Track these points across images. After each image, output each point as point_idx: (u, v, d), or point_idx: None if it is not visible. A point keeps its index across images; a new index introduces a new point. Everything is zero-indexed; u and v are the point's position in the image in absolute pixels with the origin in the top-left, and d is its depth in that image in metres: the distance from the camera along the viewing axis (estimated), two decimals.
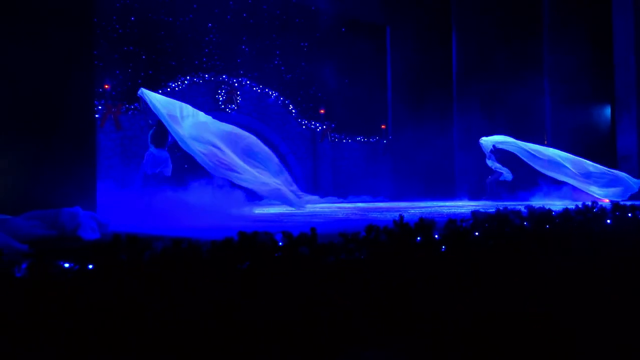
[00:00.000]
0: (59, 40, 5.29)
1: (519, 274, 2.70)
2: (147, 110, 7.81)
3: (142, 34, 12.55)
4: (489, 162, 13.02)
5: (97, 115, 10.75)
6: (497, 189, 13.35)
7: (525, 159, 12.26)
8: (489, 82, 15.56)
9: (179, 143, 7.37)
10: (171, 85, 12.63)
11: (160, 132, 7.92)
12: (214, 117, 13.39)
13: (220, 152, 7.30)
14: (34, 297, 1.81)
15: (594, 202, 5.22)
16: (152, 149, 8.06)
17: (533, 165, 12.26)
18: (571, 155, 12.03)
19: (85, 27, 5.69)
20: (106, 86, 11.42)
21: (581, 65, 14.55)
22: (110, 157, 11.20)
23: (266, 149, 8.25)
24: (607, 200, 10.90)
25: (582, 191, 11.82)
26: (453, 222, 3.47)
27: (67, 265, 2.09)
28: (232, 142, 7.76)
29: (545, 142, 15.30)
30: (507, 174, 12.97)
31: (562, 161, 11.79)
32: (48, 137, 5.24)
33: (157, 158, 7.98)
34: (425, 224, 3.12)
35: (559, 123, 15.66)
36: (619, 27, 14.52)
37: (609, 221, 4.49)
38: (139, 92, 7.69)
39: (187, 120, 7.49)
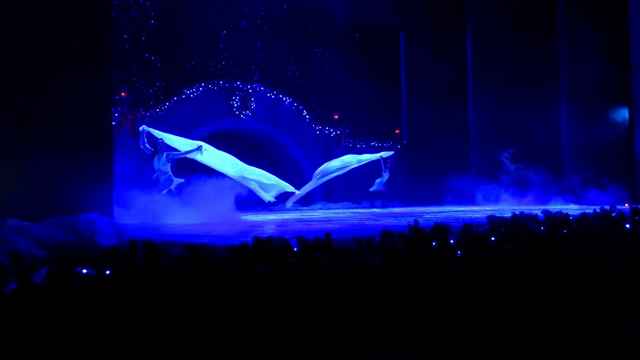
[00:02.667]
0: (76, 48, 5.37)
1: (537, 279, 2.67)
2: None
3: (158, 42, 12.69)
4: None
5: (113, 123, 10.86)
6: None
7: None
8: (505, 87, 15.49)
9: None
10: (186, 92, 12.74)
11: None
12: (229, 123, 13.59)
13: None
14: (52, 302, 1.83)
15: (612, 206, 5.15)
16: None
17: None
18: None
19: (102, 35, 5.77)
20: (123, 94, 11.55)
21: (598, 68, 14.39)
22: (126, 164, 11.30)
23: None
24: (627, 205, 10.76)
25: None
26: (469, 227, 3.45)
27: (85, 271, 2.11)
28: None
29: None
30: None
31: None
32: (65, 144, 5.31)
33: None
34: (441, 229, 3.10)
35: (576, 127, 15.51)
36: (637, 27, 14.31)
37: (628, 225, 4.42)
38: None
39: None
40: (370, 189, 13.62)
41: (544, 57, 15.69)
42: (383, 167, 13.33)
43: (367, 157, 12.30)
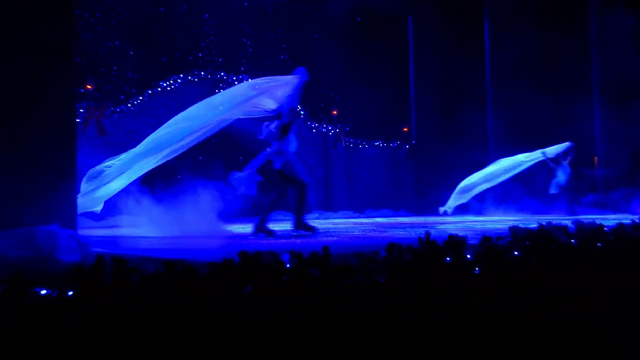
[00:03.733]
0: (34, 33, 5.34)
1: (570, 300, 2.66)
2: None
3: (129, 27, 12.66)
4: None
5: (78, 120, 10.84)
6: None
7: None
8: (528, 78, 15.50)
9: None
10: (162, 85, 12.73)
11: None
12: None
13: None
14: (7, 327, 1.81)
15: None
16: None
17: None
18: None
19: (65, 19, 5.74)
20: (88, 86, 11.53)
21: (630, 58, 14.42)
22: (92, 167, 11.28)
23: None
24: None
25: None
26: (488, 239, 3.44)
27: (44, 291, 2.09)
28: None
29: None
30: None
31: None
32: (21, 145, 5.27)
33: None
34: (456, 241, 3.10)
35: (610, 126, 15.55)
36: None
37: None
38: None
39: None
40: (550, 192, 13.29)
41: (572, 43, 15.71)
42: (553, 165, 12.94)
43: (524, 157, 12.47)
